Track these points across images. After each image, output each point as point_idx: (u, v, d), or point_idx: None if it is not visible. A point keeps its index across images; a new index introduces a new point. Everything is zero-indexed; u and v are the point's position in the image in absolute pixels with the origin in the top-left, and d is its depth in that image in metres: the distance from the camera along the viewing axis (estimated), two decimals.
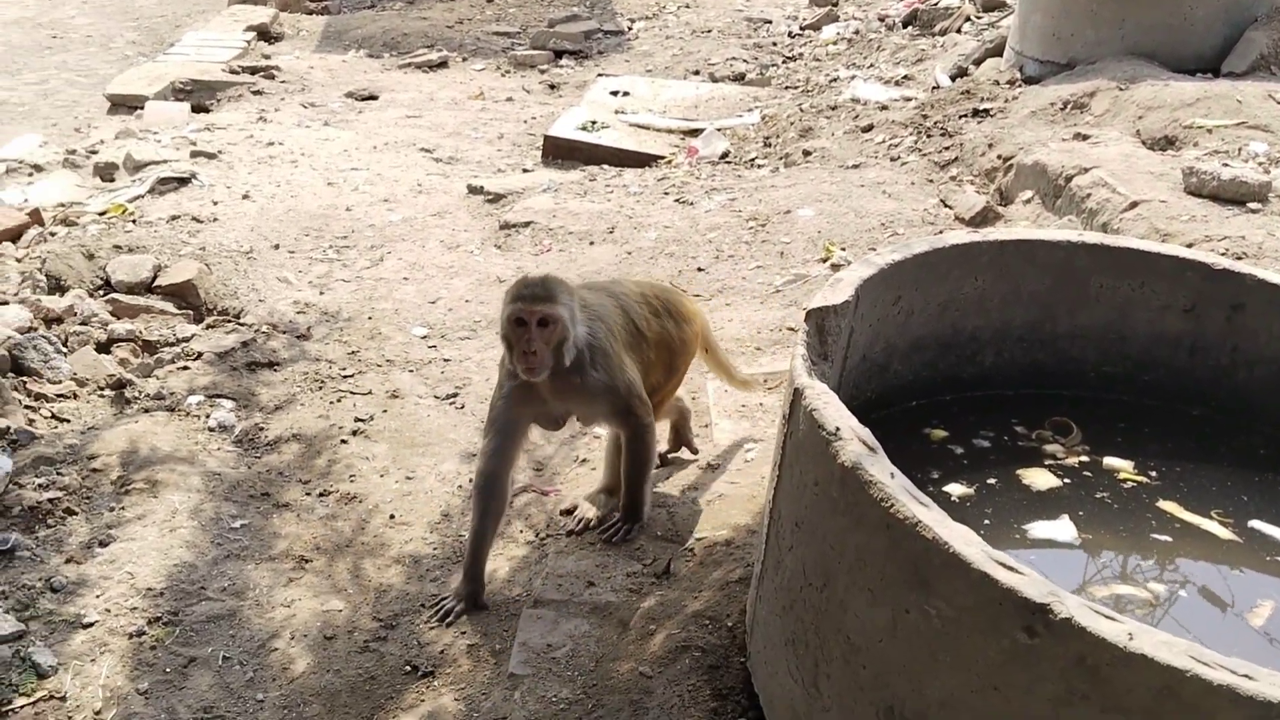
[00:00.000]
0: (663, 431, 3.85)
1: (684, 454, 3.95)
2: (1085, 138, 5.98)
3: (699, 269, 5.52)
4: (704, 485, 3.74)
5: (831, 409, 2.24)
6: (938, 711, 2.06)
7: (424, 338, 5.15)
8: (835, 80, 8.68)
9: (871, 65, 8.85)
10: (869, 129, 7.24)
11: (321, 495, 3.94)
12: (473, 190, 6.90)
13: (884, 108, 7.54)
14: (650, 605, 3.16)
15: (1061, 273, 3.09)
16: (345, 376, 4.74)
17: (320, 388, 4.64)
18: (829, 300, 2.61)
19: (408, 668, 3.15)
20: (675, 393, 3.75)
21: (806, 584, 2.35)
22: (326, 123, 8.45)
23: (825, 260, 5.33)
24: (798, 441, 2.37)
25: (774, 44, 10.49)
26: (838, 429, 2.19)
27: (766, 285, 5.25)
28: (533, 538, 3.68)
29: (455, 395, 4.64)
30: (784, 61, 9.84)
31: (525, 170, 7.62)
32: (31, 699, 3.03)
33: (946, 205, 5.90)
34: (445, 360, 4.93)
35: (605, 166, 7.61)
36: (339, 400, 4.56)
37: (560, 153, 7.94)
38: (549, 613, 3.22)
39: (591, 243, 5.99)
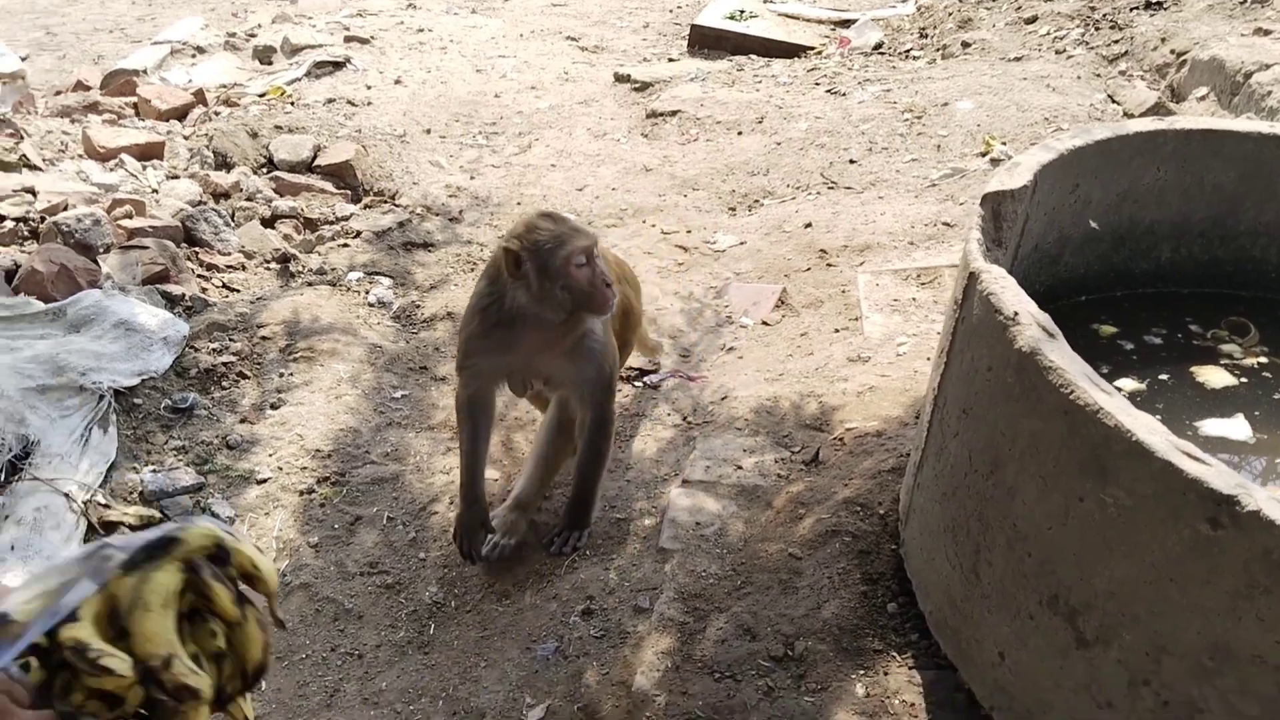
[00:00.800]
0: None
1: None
2: (1267, 33, 5.61)
3: (850, 161, 5.41)
4: (852, 377, 3.71)
5: (1009, 293, 2.19)
6: (1105, 602, 2.03)
7: None
8: None
9: None
10: (1032, 20, 6.91)
11: None
12: (619, 78, 6.85)
13: None
14: (799, 490, 3.18)
15: (1249, 166, 2.93)
16: None
17: (472, 269, 4.74)
18: (1006, 185, 2.53)
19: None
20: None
21: (972, 471, 2.32)
22: (474, 10, 8.47)
23: (984, 154, 5.16)
24: (970, 327, 2.32)
25: None
26: (1015, 313, 2.14)
27: (921, 179, 5.11)
28: (679, 421, 3.72)
29: None
30: None
31: (671, 59, 7.53)
32: None
33: (1114, 101, 5.62)
34: None
35: (753, 56, 7.46)
36: None
37: (707, 42, 7.80)
38: (697, 492, 3.27)
39: (740, 132, 5.91)
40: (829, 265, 4.55)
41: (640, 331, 3.70)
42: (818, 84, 6.46)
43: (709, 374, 3.97)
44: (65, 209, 4.39)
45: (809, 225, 4.85)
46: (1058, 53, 6.37)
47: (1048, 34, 6.65)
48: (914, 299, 4.11)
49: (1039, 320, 2.13)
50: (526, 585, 3.09)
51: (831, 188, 5.26)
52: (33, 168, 4.84)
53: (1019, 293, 2.20)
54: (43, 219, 4.37)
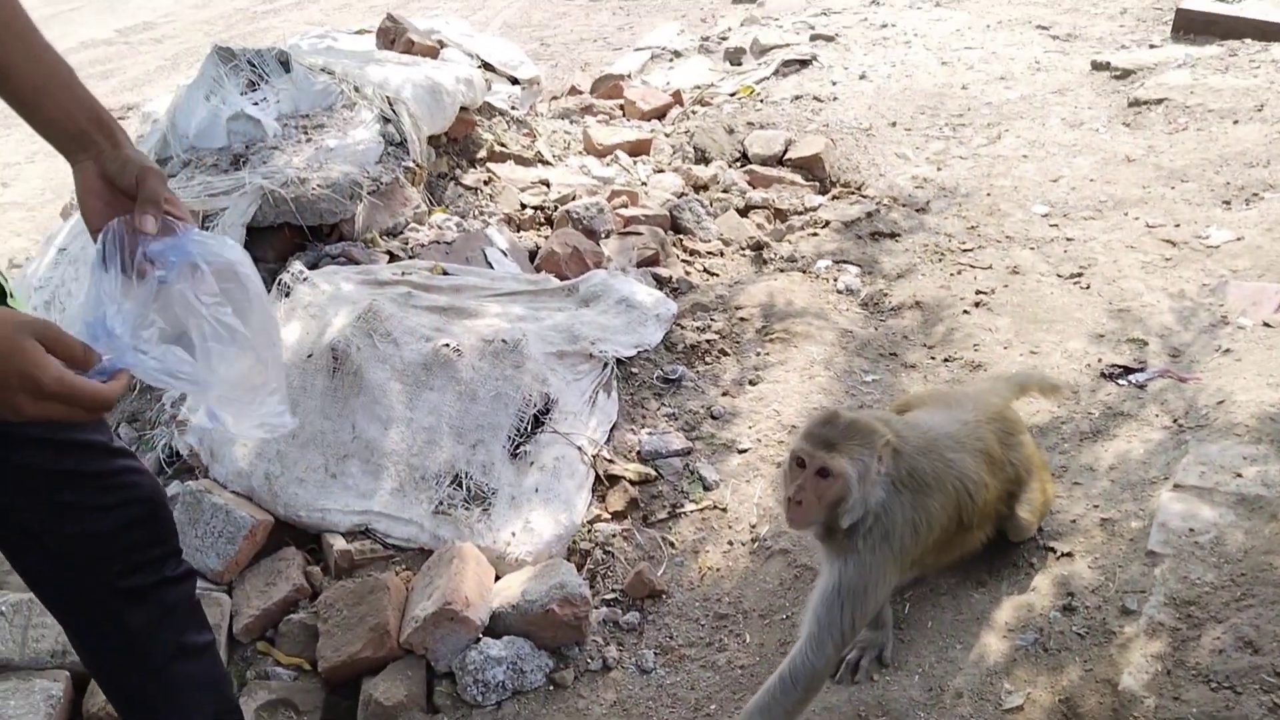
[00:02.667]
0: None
1: None
2: None
3: None
4: None
5: None
6: None
7: (1045, 215, 5.04)
8: None
9: None
10: None
11: (946, 360, 4.08)
12: (1096, 66, 6.53)
13: None
14: None
15: None
16: (964, 250, 4.81)
17: (940, 259, 4.76)
18: None
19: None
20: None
21: None
22: (938, 3, 8.41)
23: None
24: None
25: None
26: None
27: None
28: (1169, 423, 3.53)
29: (1080, 275, 4.51)
30: None
31: (1153, 46, 7.05)
32: (699, 506, 3.53)
33: None
34: (1068, 239, 4.80)
35: (1248, 40, 6.79)
36: (958, 273, 4.64)
37: (1194, 26, 7.21)
38: (1191, 498, 3.10)
39: (1235, 121, 5.44)
40: None
41: (1038, 495, 3.07)
42: None
43: (1202, 376, 3.73)
44: (574, 199, 4.94)
45: None
46: None
47: None
48: None
49: None
50: (1003, 576, 3.08)
51: None
52: (545, 163, 5.48)
53: None
54: (555, 208, 4.95)
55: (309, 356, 3.69)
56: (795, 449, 2.55)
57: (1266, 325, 3.91)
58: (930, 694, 2.77)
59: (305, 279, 3.92)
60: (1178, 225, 4.71)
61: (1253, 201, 4.81)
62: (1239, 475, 3.14)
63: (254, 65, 4.63)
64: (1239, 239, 4.49)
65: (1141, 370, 3.79)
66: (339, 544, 3.38)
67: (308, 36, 5.92)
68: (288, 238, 4.24)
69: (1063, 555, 3.08)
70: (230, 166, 4.30)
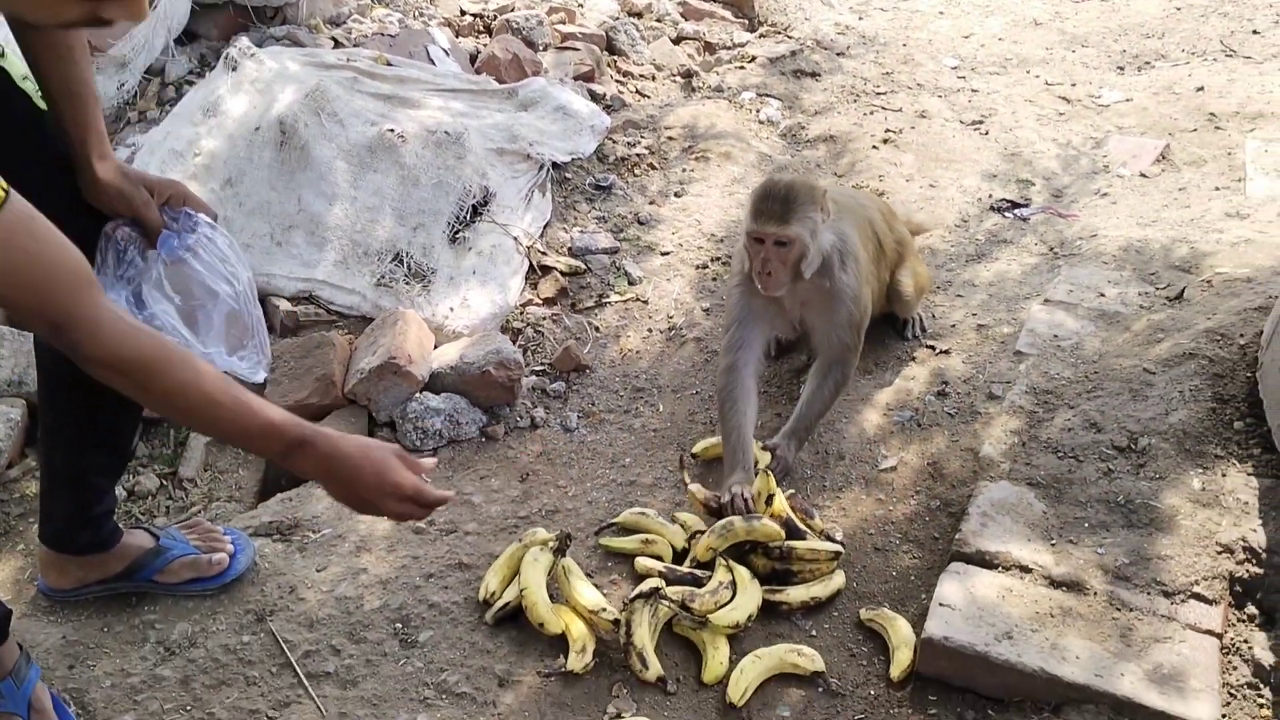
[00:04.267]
0: None
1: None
2: None
3: (1254, 31, 5.26)
4: (1228, 230, 3.79)
5: None
6: None
7: (954, 68, 5.37)
8: None
9: None
10: None
11: (854, 188, 4.41)
12: None
13: None
14: (1159, 319, 3.37)
15: None
16: (878, 93, 5.11)
17: (855, 100, 5.06)
18: None
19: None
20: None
21: None
22: None
23: None
24: None
25: None
26: None
27: None
28: (1045, 251, 3.94)
29: (980, 122, 4.87)
30: None
31: None
32: (623, 297, 3.84)
33: None
34: (973, 90, 5.15)
35: None
36: (870, 113, 4.95)
37: None
38: (1057, 310, 3.52)
39: None
40: (1217, 128, 4.53)
41: (912, 271, 3.50)
42: None
43: (1080, 214, 4.14)
44: (513, 10, 5.07)
45: (1201, 89, 4.81)
46: None
47: None
48: None
49: None
50: (888, 367, 3.48)
51: (1229, 56, 5.13)
52: None
53: None
54: (494, 16, 5.08)
55: (256, 129, 3.83)
56: (749, 230, 2.91)
57: (1143, 175, 4.34)
58: (819, 457, 3.17)
59: (252, 55, 4.02)
60: (1074, 85, 5.09)
61: (1144, 69, 5.21)
62: (1102, 295, 3.57)
63: None
64: (1128, 100, 4.89)
65: (1026, 206, 4.19)
66: (284, 305, 3.60)
67: None
68: (232, 17, 4.32)
69: (941, 352, 3.49)
70: None
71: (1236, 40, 5.25)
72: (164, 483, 3.26)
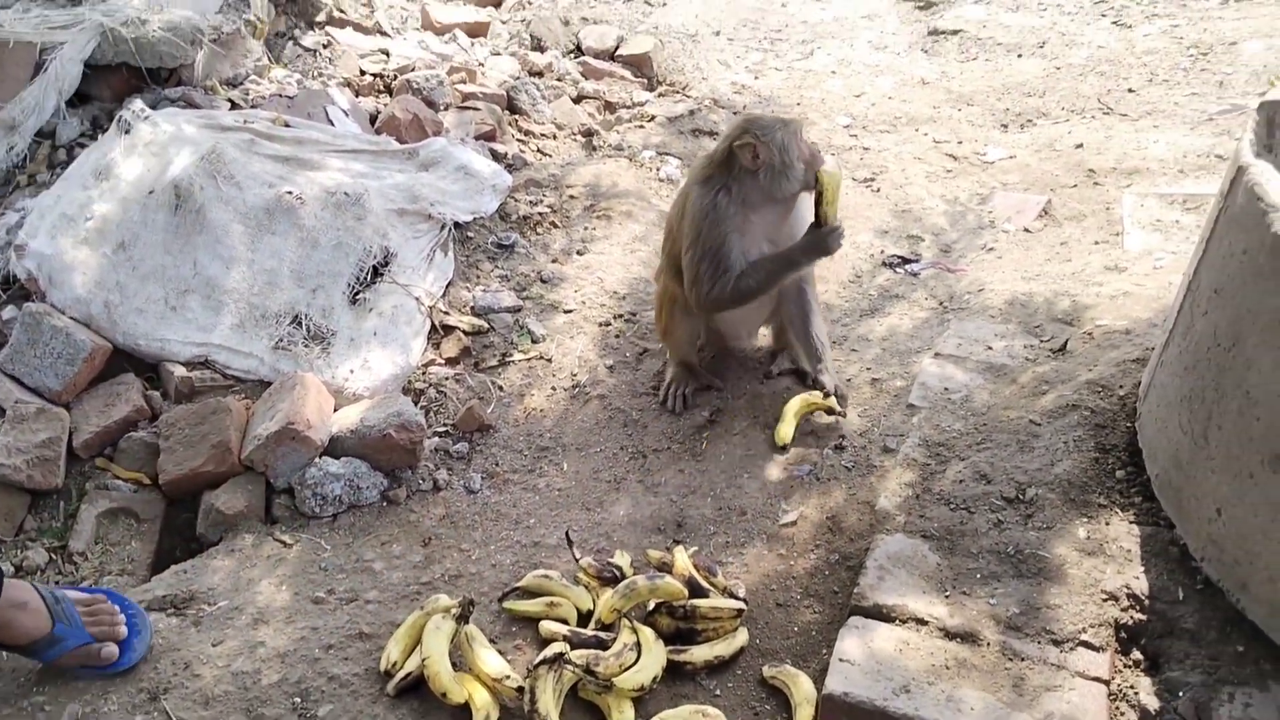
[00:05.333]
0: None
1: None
2: None
3: (1129, 90, 5.51)
4: (1107, 283, 3.95)
5: (1274, 184, 2.44)
6: None
7: (847, 126, 5.54)
8: None
9: None
10: None
11: None
12: None
13: None
14: (1044, 371, 3.49)
15: None
16: None
17: None
18: None
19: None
20: None
21: (1215, 345, 2.60)
22: None
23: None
24: (1232, 215, 2.59)
25: None
26: (1276, 202, 2.40)
27: (1199, 113, 5.17)
28: (935, 305, 4.07)
29: (873, 179, 5.03)
30: None
31: None
32: (527, 356, 3.85)
33: None
34: (865, 148, 5.31)
35: None
36: None
37: None
38: (947, 364, 3.63)
39: (1019, 55, 6.07)
40: (1096, 184, 4.74)
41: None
42: (1104, 15, 6.50)
43: (968, 268, 4.29)
44: (414, 70, 5.09)
45: (1080, 146, 5.04)
46: None
47: None
48: (1177, 221, 4.28)
49: None
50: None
51: (1107, 113, 5.39)
52: (384, 34, 5.58)
53: None
54: (395, 76, 5.09)
55: (150, 193, 3.78)
56: (801, 126, 3.33)
57: (1027, 230, 4.51)
58: (720, 512, 3.21)
59: (147, 117, 3.97)
60: (960, 142, 5.29)
61: (1027, 126, 5.43)
62: (989, 348, 3.69)
63: None
64: (1012, 157, 5.09)
65: (916, 261, 4.33)
66: (179, 371, 3.54)
67: None
68: (126, 78, 4.26)
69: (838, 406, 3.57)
70: (68, 1, 4.26)
71: (1113, 98, 5.51)
72: (53, 556, 3.16)
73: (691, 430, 3.54)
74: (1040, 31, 6.28)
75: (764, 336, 3.85)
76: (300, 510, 3.23)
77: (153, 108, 4.13)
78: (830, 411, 3.51)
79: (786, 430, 3.43)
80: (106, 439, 3.41)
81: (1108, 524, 2.89)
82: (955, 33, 6.40)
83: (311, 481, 3.23)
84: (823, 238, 3.35)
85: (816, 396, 3.47)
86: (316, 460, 3.27)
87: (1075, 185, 4.77)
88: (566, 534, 3.01)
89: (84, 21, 4.08)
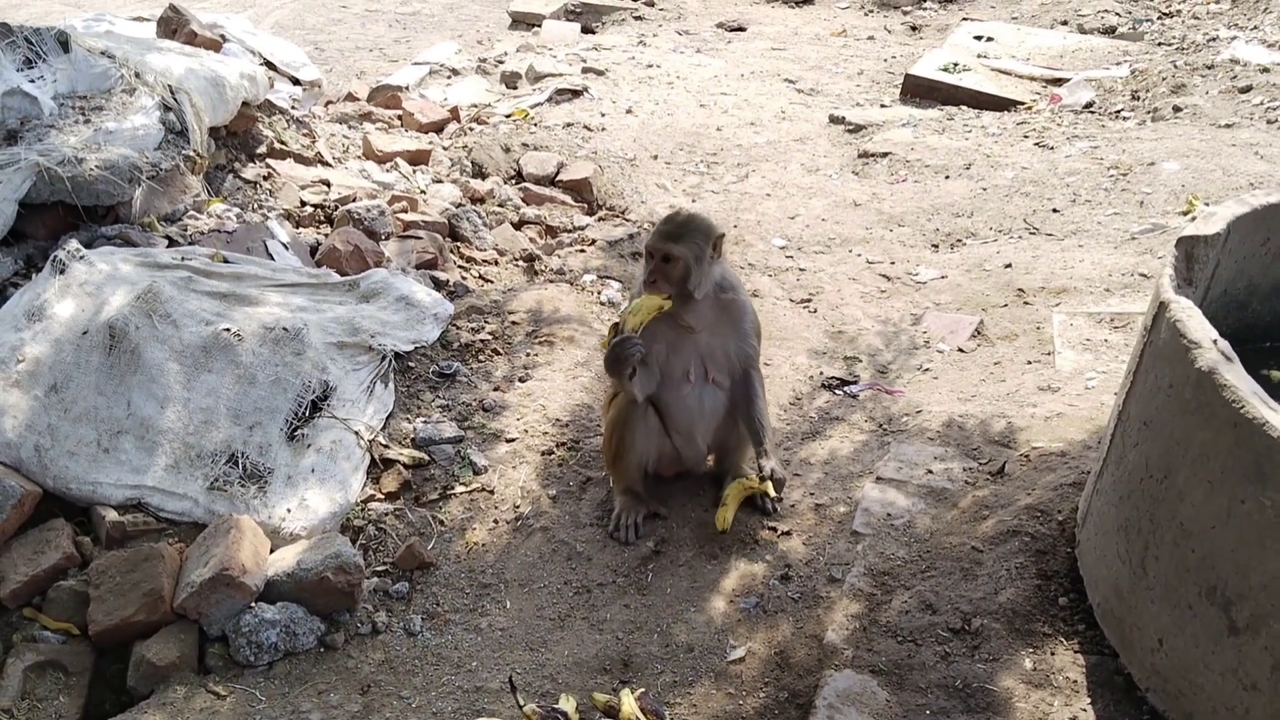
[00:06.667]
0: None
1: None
2: None
3: (1054, 210, 5.70)
4: (1041, 404, 4.03)
5: (1195, 321, 2.53)
6: (1258, 593, 2.34)
7: (782, 248, 5.65)
8: (1214, 40, 8.36)
9: (1255, 27, 8.45)
10: (1247, 90, 7.02)
11: None
12: (834, 120, 7.30)
13: (1265, 70, 7.28)
14: (983, 495, 3.53)
15: None
16: None
17: None
18: (1201, 231, 2.86)
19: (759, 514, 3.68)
20: None
21: (1147, 476, 2.66)
22: (699, 50, 9.07)
23: (1186, 213, 5.37)
24: (1156, 349, 2.66)
25: None
26: (1198, 339, 2.48)
27: (1122, 231, 5.36)
28: (874, 428, 4.11)
29: (809, 300, 5.11)
30: (1159, 17, 9.49)
31: (883, 105, 7.92)
32: (468, 488, 3.82)
33: None
34: (801, 269, 5.41)
35: (964, 107, 7.76)
36: None
37: (919, 91, 8.14)
38: (889, 488, 3.66)
39: (947, 177, 6.27)
40: (1026, 303, 4.87)
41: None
42: (1026, 137, 6.76)
43: (905, 390, 4.35)
44: (355, 200, 5.13)
45: (1009, 265, 5.18)
46: (1270, 123, 6.48)
47: (1261, 104, 6.76)
48: (1106, 340, 4.40)
49: (1219, 346, 2.46)
50: (732, 550, 3.53)
51: (1033, 233, 5.56)
52: (325, 164, 5.63)
53: (1203, 321, 2.53)
54: (336, 207, 5.13)
55: (84, 333, 3.73)
56: (647, 245, 3.47)
57: (960, 350, 4.61)
58: (667, 649, 3.16)
59: (82, 257, 3.94)
60: (893, 263, 5.41)
61: (957, 246, 5.58)
62: (929, 471, 3.73)
63: (31, 43, 4.58)
64: (943, 277, 5.22)
65: (854, 383, 4.39)
66: (111, 515, 3.45)
67: (84, 19, 5.83)
68: (61, 216, 4.24)
69: (782, 534, 3.57)
70: (3, 142, 4.25)
71: (1039, 219, 5.69)
72: None
73: (637, 562, 3.51)
74: (966, 153, 6.51)
75: (710, 461, 3.86)
76: (234, 659, 3.13)
77: (88, 246, 4.11)
78: (765, 495, 3.60)
79: (727, 515, 3.54)
80: (35, 588, 3.30)
81: (1053, 654, 2.89)
82: (885, 155, 6.61)
83: (246, 629, 3.14)
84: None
85: (754, 480, 3.57)
86: (252, 606, 3.19)
87: (1006, 305, 4.89)
88: (510, 680, 2.95)
89: (19, 161, 4.08)
